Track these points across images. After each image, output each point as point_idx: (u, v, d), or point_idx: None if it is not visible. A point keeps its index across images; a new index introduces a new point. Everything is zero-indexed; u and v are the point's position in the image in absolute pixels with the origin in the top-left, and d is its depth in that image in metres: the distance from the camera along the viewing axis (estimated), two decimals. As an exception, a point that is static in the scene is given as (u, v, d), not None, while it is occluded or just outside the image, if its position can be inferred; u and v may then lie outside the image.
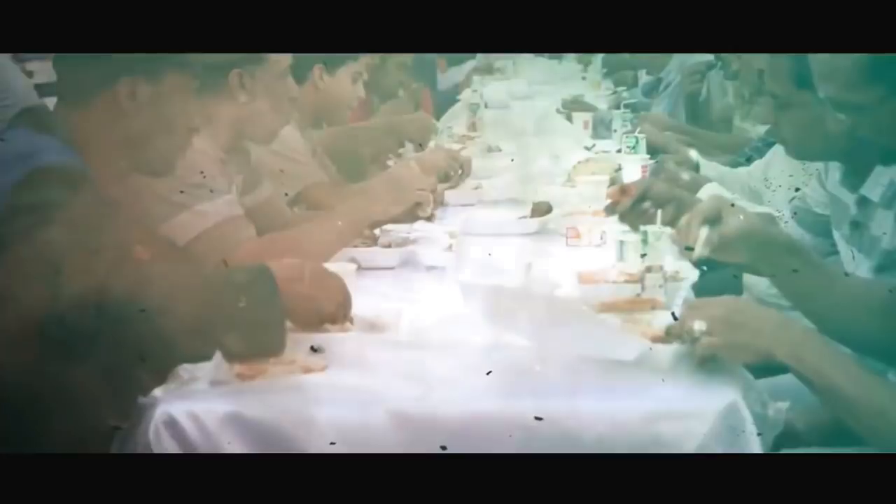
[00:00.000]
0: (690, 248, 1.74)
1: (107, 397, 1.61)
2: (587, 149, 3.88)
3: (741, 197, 2.79)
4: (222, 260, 2.07)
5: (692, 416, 1.51)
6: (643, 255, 2.02)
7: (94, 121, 1.82)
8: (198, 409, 1.53)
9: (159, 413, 1.52)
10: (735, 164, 3.38)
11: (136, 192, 2.14)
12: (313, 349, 1.72)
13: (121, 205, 1.77)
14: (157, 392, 1.56)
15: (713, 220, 1.74)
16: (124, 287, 1.58)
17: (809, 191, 2.45)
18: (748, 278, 2.61)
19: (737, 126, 4.32)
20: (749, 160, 3.31)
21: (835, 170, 2.20)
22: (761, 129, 3.63)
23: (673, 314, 1.66)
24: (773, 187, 2.89)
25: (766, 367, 1.63)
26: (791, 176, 2.72)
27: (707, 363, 1.60)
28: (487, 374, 1.56)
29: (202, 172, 2.25)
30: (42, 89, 3.15)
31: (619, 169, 3.20)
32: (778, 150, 2.88)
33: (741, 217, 1.75)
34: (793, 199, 2.57)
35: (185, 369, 1.61)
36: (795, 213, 2.46)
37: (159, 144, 1.89)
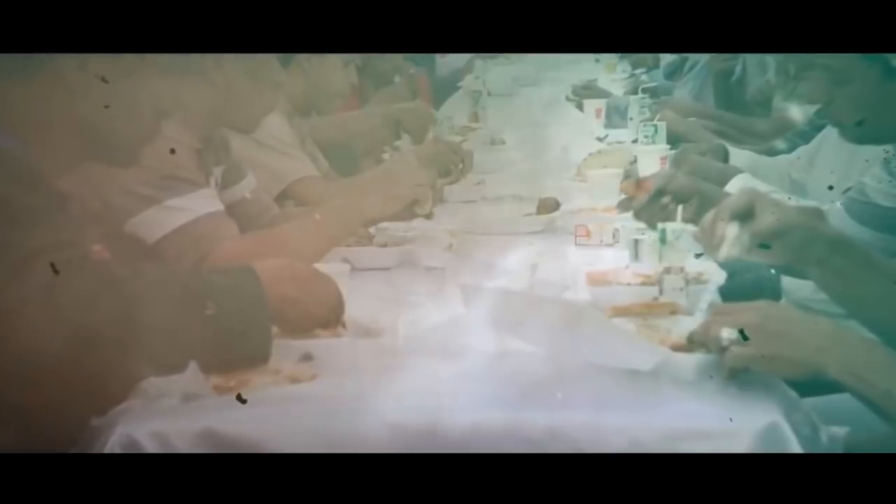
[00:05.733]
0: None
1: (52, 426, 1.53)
2: (599, 139, 3.88)
3: (780, 189, 2.69)
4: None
5: (723, 436, 1.45)
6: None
7: (35, 99, 1.71)
8: (165, 429, 1.47)
9: (117, 436, 1.46)
10: (774, 152, 3.30)
11: (94, 183, 2.11)
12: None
13: (74, 198, 1.68)
14: (116, 411, 1.50)
15: (744, 215, 1.67)
16: (78, 291, 1.52)
17: (870, 179, 2.31)
18: (788, 282, 2.52)
19: (777, 108, 4.19)
20: (791, 147, 3.24)
21: None
22: (809, 110, 3.47)
23: (741, 332, 1.52)
24: (821, 177, 2.78)
25: (814, 384, 1.54)
26: (843, 165, 2.62)
27: (739, 377, 1.54)
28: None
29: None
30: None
31: (634, 161, 3.20)
32: (829, 134, 2.78)
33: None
34: (847, 189, 2.44)
35: (151, 384, 1.55)
36: (850, 206, 2.33)
37: (120, 129, 1.80)
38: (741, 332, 1.51)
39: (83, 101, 1.75)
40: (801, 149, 3.09)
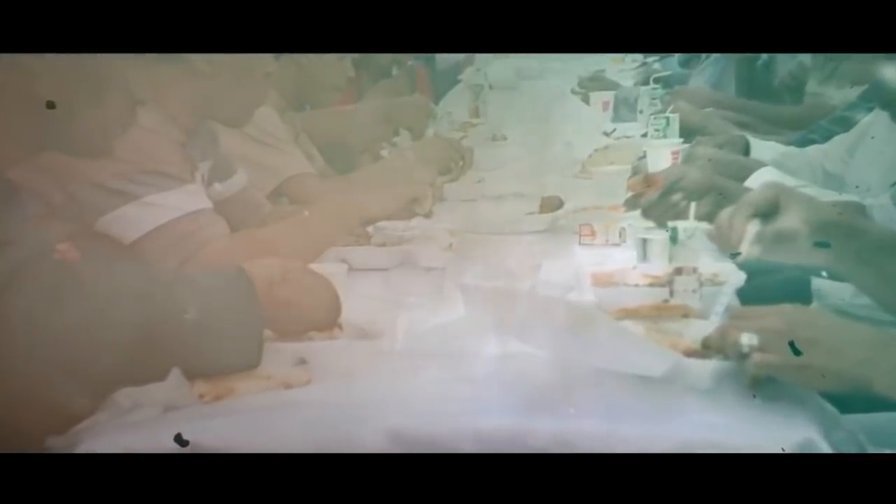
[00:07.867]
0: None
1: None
2: (606, 134, 3.86)
3: (811, 182, 2.61)
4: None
5: (746, 450, 1.38)
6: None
7: None
8: (139, 444, 1.43)
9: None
10: (804, 143, 3.19)
11: (56, 176, 2.05)
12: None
13: (32, 191, 1.63)
14: (77, 429, 1.45)
15: (766, 212, 1.61)
16: (35, 294, 1.45)
17: None
18: (824, 285, 2.43)
19: (811, 93, 4.05)
20: (827, 136, 3.12)
21: None
22: (851, 94, 3.35)
23: (792, 345, 1.42)
24: (862, 168, 2.68)
25: (858, 400, 1.45)
26: (892, 153, 2.52)
27: (765, 387, 1.47)
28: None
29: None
30: None
31: (643, 156, 3.17)
32: (877, 118, 2.68)
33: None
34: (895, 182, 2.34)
35: (126, 395, 1.50)
36: None
37: (87, 117, 1.73)
38: (791, 344, 1.40)
39: (39, 86, 1.67)
40: (838, 137, 2.97)
